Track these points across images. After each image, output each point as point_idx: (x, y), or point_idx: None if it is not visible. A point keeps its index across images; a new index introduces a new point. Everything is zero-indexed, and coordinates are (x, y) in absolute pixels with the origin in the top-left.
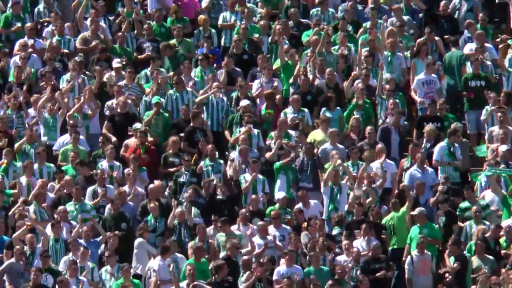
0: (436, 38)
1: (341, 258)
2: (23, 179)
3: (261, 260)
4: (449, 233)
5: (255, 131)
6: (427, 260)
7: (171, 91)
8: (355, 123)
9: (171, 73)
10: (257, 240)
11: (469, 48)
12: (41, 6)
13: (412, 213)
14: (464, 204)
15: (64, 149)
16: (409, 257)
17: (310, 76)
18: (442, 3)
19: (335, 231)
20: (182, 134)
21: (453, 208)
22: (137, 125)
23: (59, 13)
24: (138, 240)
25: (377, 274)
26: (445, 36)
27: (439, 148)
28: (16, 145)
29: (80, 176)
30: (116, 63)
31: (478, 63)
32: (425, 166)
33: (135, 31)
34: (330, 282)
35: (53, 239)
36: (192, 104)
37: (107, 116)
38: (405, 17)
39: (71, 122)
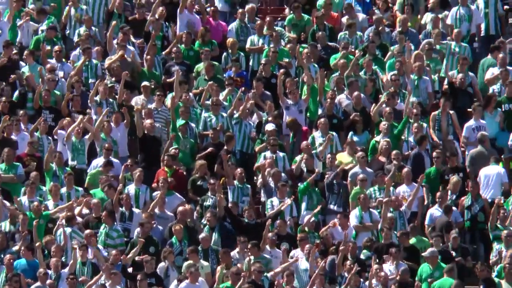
0: (451, 111)
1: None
2: (50, 203)
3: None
4: None
5: (281, 154)
6: None
7: (206, 114)
8: (385, 145)
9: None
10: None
11: (491, 72)
12: (82, 29)
13: (424, 254)
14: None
15: (94, 172)
16: None
17: (337, 99)
18: (459, 76)
19: (363, 256)
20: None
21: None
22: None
23: (96, 36)
24: (160, 264)
25: None
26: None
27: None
28: (45, 163)
29: (108, 201)
30: (145, 83)
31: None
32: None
33: (163, 53)
34: None
35: (80, 263)
36: (226, 127)
37: (139, 137)
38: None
39: (106, 145)
